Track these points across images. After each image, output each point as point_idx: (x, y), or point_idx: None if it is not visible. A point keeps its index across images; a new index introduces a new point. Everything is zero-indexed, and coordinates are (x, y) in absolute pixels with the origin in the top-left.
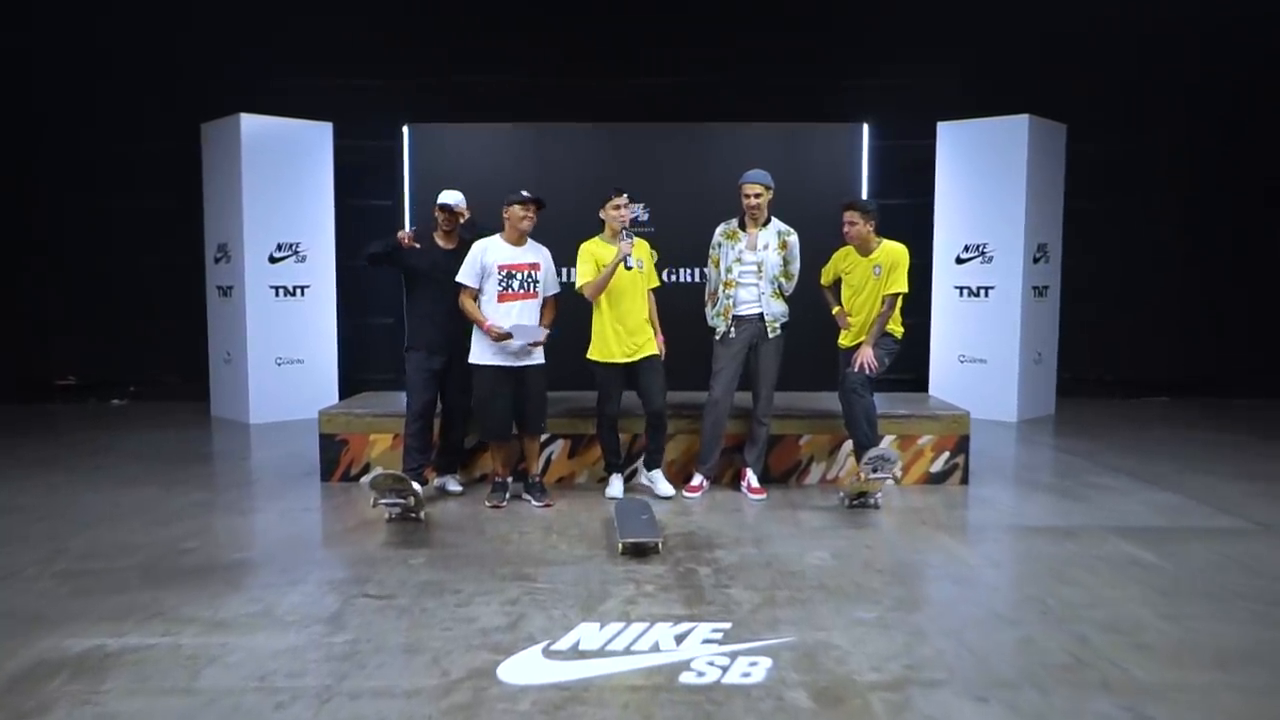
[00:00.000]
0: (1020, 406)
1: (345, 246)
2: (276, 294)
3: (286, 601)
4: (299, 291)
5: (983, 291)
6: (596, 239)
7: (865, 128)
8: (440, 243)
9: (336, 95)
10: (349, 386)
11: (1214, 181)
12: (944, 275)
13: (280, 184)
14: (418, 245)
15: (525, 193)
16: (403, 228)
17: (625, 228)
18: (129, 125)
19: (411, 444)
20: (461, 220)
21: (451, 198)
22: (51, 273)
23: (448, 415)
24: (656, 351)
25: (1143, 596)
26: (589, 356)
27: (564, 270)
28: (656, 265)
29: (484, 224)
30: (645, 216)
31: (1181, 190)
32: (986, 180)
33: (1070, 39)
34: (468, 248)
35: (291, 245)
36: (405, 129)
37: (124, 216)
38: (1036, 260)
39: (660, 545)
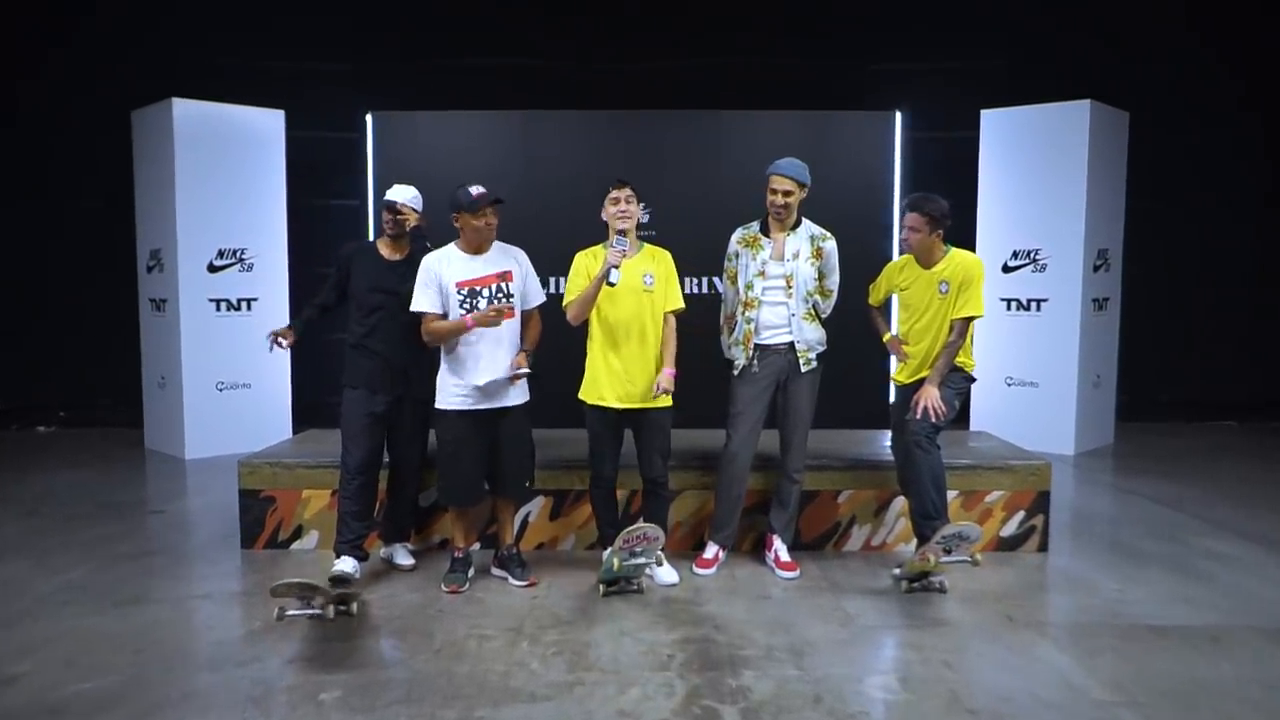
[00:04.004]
0: (1078, 437)
1: (299, 253)
2: (217, 308)
3: None
4: (244, 305)
5: (1034, 305)
6: (598, 247)
7: (898, 116)
8: (384, 252)
9: (289, 78)
10: (305, 415)
11: None
12: (989, 286)
13: (222, 181)
14: (282, 345)
15: (475, 189)
16: (364, 236)
17: (620, 232)
18: (49, 113)
19: (348, 508)
20: (409, 225)
21: (400, 194)
22: None
23: (396, 471)
24: (665, 404)
25: None
26: (580, 397)
27: (552, 281)
28: None
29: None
30: (646, 217)
31: (1253, 188)
32: (1039, 176)
33: (1129, 13)
34: (421, 259)
35: (235, 252)
36: (369, 117)
37: (48, 219)
38: (1097, 268)
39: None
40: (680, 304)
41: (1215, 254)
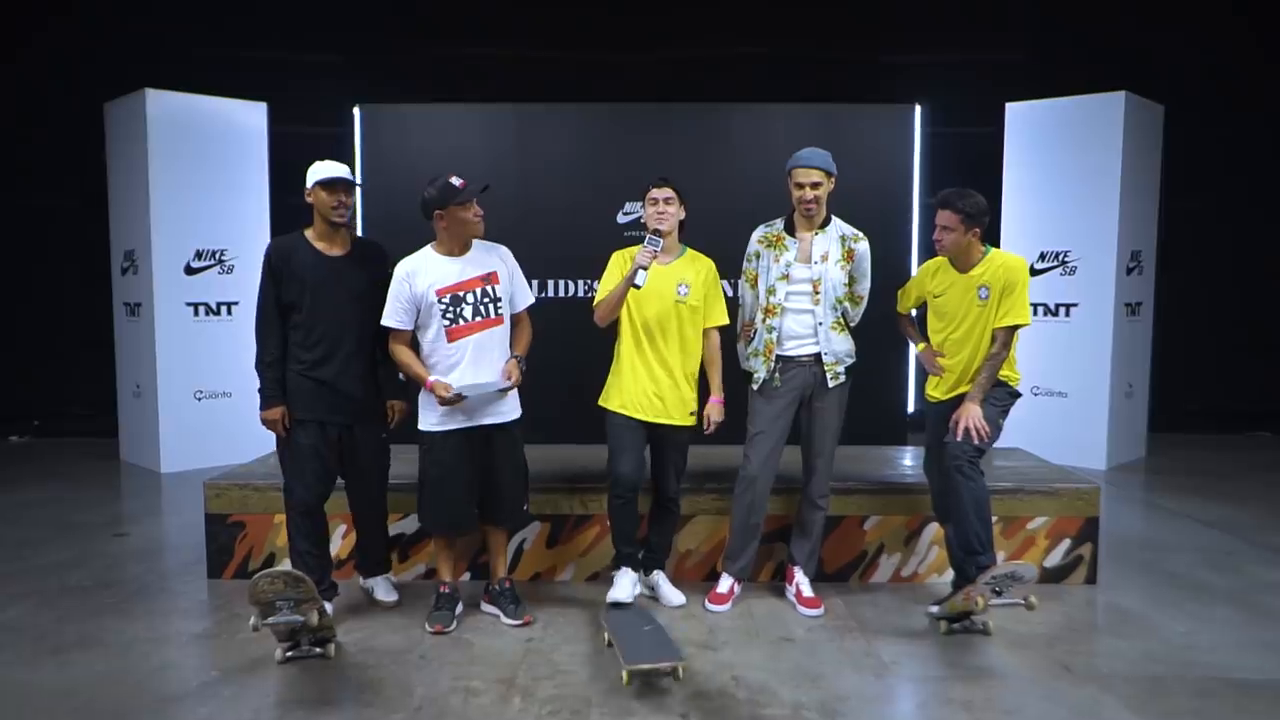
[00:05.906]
0: (1110, 451)
1: None
2: (196, 312)
3: None
4: (224, 309)
5: (1063, 310)
6: (636, 247)
7: (917, 110)
8: (320, 246)
9: (272, 69)
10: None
11: None
12: None
13: (200, 177)
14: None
15: (456, 179)
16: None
17: (656, 232)
18: (20, 105)
19: (304, 548)
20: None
21: (345, 171)
22: None
23: (355, 505)
24: (687, 423)
25: None
26: (600, 403)
27: (550, 284)
28: None
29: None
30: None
31: None
32: (1068, 174)
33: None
34: (370, 252)
35: (215, 253)
36: (357, 110)
37: (21, 217)
38: (1130, 271)
39: (680, 671)
40: (723, 319)
41: (1252, 255)
